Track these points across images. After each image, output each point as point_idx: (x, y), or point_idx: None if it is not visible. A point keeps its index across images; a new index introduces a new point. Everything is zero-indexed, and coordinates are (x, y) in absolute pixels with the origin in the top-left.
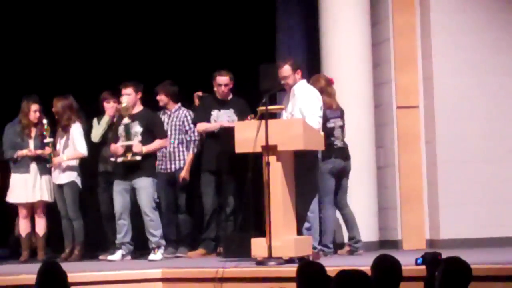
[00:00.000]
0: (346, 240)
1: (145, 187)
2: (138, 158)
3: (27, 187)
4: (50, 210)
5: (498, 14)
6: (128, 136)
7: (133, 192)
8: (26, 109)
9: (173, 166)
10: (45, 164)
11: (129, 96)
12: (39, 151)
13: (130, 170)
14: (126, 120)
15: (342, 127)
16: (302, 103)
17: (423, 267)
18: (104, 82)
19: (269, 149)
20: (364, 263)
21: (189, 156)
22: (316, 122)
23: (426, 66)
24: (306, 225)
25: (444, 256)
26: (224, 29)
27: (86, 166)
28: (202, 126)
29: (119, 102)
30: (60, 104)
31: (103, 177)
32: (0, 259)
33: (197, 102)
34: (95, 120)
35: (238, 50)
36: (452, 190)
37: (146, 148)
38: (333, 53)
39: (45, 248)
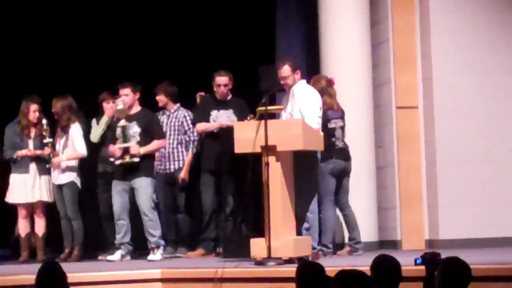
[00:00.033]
0: (346, 240)
1: (144, 187)
2: (136, 160)
3: (26, 187)
4: (50, 210)
5: (497, 14)
6: (125, 138)
7: (132, 192)
8: (25, 109)
9: (172, 166)
10: (44, 164)
11: (126, 97)
12: (38, 151)
13: (129, 170)
14: (122, 122)
15: (342, 128)
16: (302, 103)
17: (423, 267)
18: (103, 82)
19: (269, 149)
20: (363, 263)
21: (188, 157)
22: (315, 122)
23: (425, 66)
24: (306, 225)
25: (443, 256)
26: (224, 30)
27: (86, 167)
28: (201, 126)
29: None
30: (60, 105)
31: (103, 178)
32: (1, 259)
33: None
34: (94, 121)
35: (238, 51)
36: (451, 190)
37: (143, 150)
38: (333, 53)
39: (44, 249)
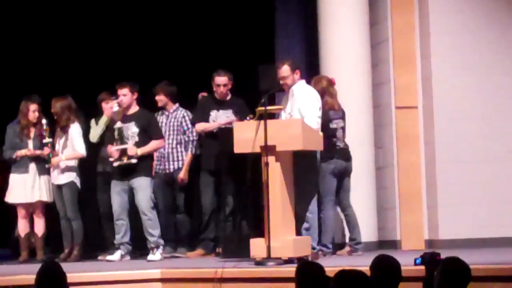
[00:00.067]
0: (346, 240)
1: (143, 186)
2: (134, 161)
3: (26, 187)
4: (49, 210)
5: (497, 14)
6: (122, 140)
7: (131, 192)
8: (25, 109)
9: (171, 166)
10: (44, 164)
11: (125, 97)
12: (38, 151)
13: (128, 170)
14: (118, 124)
15: (343, 128)
16: (301, 103)
17: (422, 267)
18: (102, 82)
19: (268, 149)
20: (363, 263)
21: (187, 157)
22: (314, 122)
23: (425, 66)
24: (305, 225)
25: (443, 256)
26: (223, 30)
27: (85, 167)
28: (201, 126)
29: (118, 104)
30: (59, 105)
31: (102, 178)
32: (1, 259)
33: None
34: (93, 121)
35: (237, 51)
36: (451, 190)
37: (141, 151)
38: (332, 53)
39: (44, 249)
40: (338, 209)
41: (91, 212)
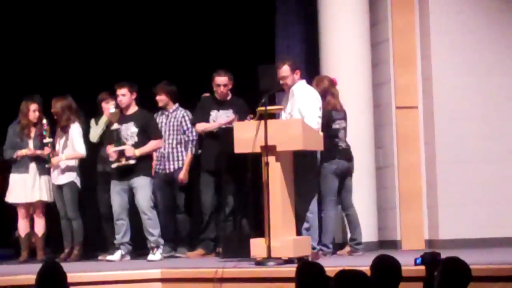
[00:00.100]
0: (347, 240)
1: (143, 186)
2: (132, 162)
3: (26, 187)
4: (49, 210)
5: (497, 14)
6: (119, 142)
7: (131, 192)
8: (25, 109)
9: (171, 166)
10: (44, 164)
11: (124, 97)
12: (38, 151)
13: (127, 170)
14: (115, 126)
15: (345, 128)
16: (301, 103)
17: (422, 267)
18: (102, 82)
19: (268, 149)
20: (363, 263)
21: (187, 157)
22: (315, 122)
23: (425, 66)
24: (305, 225)
25: (443, 256)
26: (223, 30)
27: (85, 167)
28: (201, 126)
29: (116, 105)
30: (59, 105)
31: (102, 177)
32: (1, 259)
33: None
34: (92, 121)
35: (237, 51)
36: (451, 190)
37: (139, 151)
38: (332, 53)
39: (44, 248)
40: (340, 209)
41: (91, 212)
